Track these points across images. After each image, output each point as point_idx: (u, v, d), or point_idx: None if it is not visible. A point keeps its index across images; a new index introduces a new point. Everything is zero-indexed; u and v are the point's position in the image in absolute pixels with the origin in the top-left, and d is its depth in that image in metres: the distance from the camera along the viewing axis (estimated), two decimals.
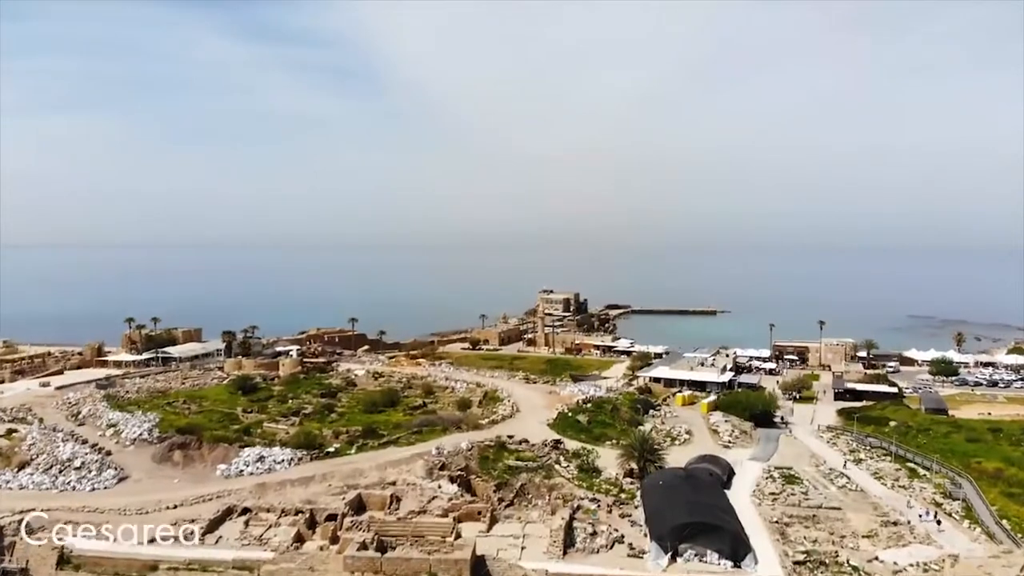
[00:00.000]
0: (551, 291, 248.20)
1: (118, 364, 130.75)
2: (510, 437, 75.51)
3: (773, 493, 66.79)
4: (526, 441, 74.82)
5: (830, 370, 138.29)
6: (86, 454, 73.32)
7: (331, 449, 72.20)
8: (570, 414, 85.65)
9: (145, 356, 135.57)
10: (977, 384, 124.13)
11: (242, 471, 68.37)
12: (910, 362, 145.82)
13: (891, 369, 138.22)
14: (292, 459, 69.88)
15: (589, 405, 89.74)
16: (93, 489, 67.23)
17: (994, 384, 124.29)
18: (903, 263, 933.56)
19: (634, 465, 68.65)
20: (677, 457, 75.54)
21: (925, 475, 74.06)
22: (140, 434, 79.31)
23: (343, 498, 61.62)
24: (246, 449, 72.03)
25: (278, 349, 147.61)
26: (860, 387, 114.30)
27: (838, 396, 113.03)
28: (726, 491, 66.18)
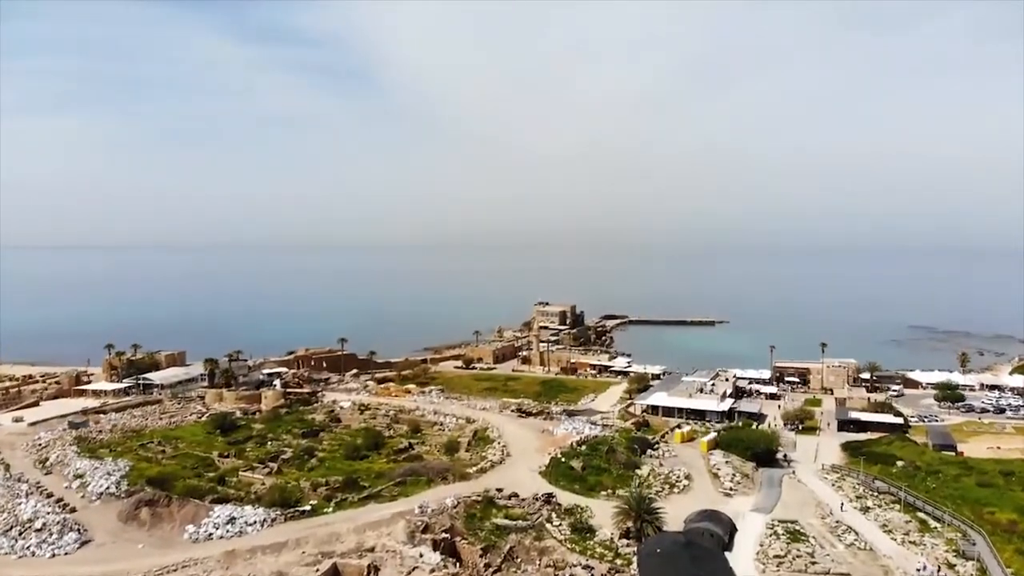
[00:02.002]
0: (547, 303, 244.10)
1: (96, 394, 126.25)
2: (499, 491, 71.33)
3: (778, 556, 62.70)
4: (516, 495, 70.66)
5: (832, 394, 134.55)
6: (48, 513, 68.94)
7: (307, 507, 67.84)
8: (563, 459, 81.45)
9: (125, 384, 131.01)
10: (984, 411, 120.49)
11: (211, 535, 63.99)
12: (914, 384, 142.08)
13: (895, 393, 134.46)
14: (265, 520, 65.54)
15: (583, 447, 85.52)
16: (53, 555, 62.84)
17: (1001, 411, 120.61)
18: (902, 264, 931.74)
19: (631, 524, 64.50)
20: (676, 509, 71.53)
21: (936, 528, 70.12)
22: (107, 487, 75.00)
23: (317, 569, 57.34)
24: (217, 507, 67.64)
25: (265, 372, 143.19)
26: (864, 417, 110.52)
27: (842, 426, 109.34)
28: (728, 553, 62.17)
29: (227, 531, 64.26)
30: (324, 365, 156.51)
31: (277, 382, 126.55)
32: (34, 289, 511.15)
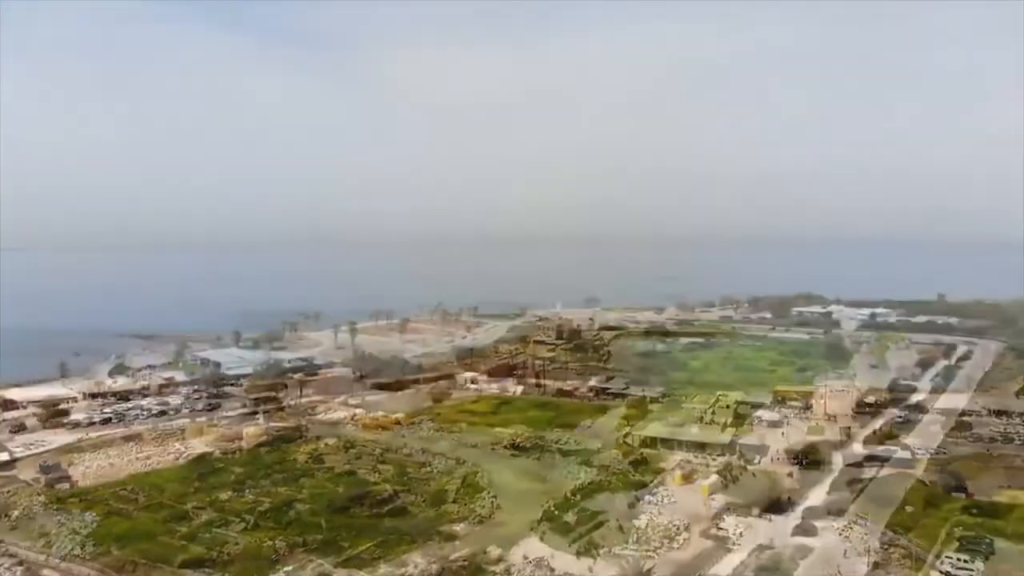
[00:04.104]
0: (544, 317, 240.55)
1: (76, 425, 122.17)
2: (486, 553, 67.29)
3: None
4: (503, 559, 66.65)
5: (835, 421, 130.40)
6: None
7: None
8: (556, 512, 77.54)
9: (107, 414, 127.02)
10: (992, 441, 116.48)
11: None
12: (919, 408, 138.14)
13: (900, 420, 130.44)
14: None
15: (578, 496, 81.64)
16: None
17: (1010, 440, 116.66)
18: (902, 264, 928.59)
19: None
20: (676, 571, 67.69)
21: None
22: (72, 548, 71.00)
23: None
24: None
25: (252, 398, 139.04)
26: (870, 451, 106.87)
27: (847, 461, 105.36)
28: None
29: None
30: (314, 389, 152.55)
31: (261, 417, 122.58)
32: (32, 293, 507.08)
